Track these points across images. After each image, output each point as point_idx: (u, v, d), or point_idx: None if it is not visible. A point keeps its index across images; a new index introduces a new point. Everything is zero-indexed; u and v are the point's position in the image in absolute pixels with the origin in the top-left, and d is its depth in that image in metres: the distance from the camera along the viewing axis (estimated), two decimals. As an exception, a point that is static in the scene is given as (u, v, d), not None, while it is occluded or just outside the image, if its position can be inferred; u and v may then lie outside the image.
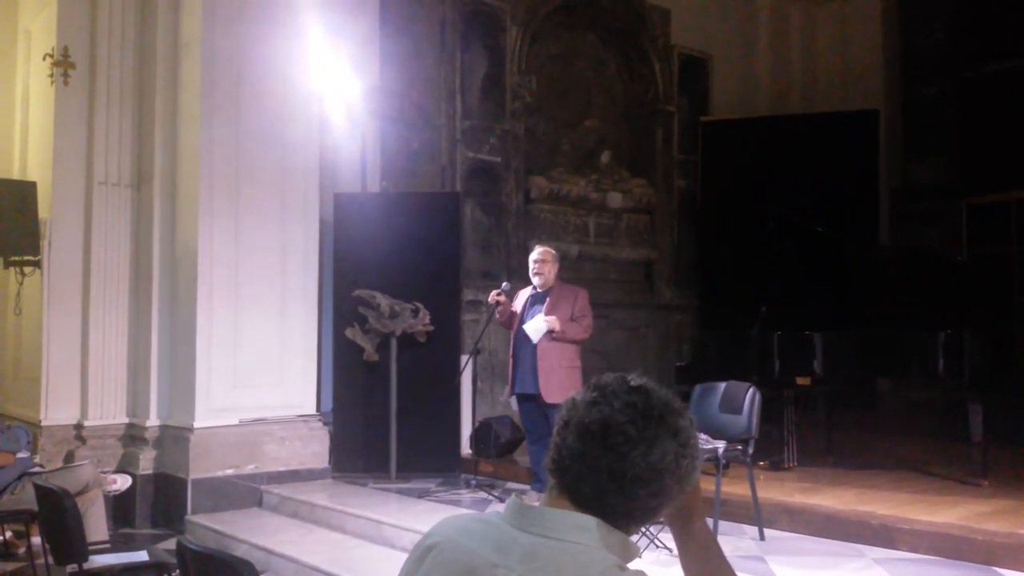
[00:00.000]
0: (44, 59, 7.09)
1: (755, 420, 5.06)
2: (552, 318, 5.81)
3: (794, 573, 4.39)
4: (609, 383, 1.33)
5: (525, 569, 1.22)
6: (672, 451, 1.29)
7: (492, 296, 6.17)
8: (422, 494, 6.36)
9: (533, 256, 6.09)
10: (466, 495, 6.40)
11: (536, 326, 5.85)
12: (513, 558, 1.24)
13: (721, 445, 5.00)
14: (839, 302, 6.83)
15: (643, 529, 4.71)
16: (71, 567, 3.85)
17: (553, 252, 6.13)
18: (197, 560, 2.45)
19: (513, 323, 6.10)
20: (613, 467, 1.27)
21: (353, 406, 7.25)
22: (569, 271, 8.98)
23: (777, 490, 5.75)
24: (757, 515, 5.06)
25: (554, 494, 1.32)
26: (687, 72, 10.77)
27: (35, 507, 4.38)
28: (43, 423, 6.93)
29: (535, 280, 6.02)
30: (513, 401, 6.48)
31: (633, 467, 1.27)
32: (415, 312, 7.11)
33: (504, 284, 6.41)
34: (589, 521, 1.27)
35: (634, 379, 1.34)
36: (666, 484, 1.29)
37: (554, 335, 5.80)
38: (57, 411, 7.00)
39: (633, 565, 1.28)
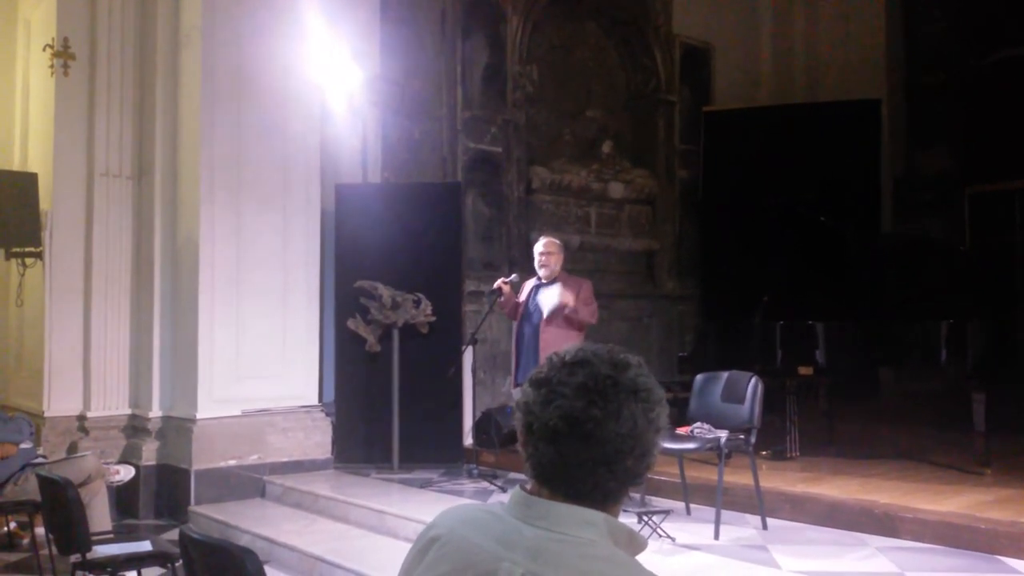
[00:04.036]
0: (44, 50, 7.07)
1: (757, 410, 5.06)
2: (566, 292, 5.80)
3: (797, 562, 4.39)
4: (551, 374, 1.29)
5: (532, 565, 1.20)
6: (639, 411, 1.26)
7: (498, 282, 6.17)
8: (425, 484, 6.37)
9: (538, 248, 6.08)
10: (469, 485, 6.41)
11: (551, 299, 5.80)
12: (519, 552, 1.23)
13: (723, 434, 5.00)
14: (841, 292, 6.81)
15: (646, 519, 4.72)
16: (74, 557, 3.86)
17: (558, 243, 6.14)
18: (200, 550, 2.45)
19: (517, 314, 6.10)
20: (596, 454, 1.25)
21: (355, 397, 7.26)
22: (571, 262, 8.95)
23: (780, 479, 5.75)
24: (760, 504, 5.06)
25: (546, 494, 1.29)
26: (689, 61, 10.73)
27: (38, 498, 4.39)
28: (46, 414, 6.93)
29: (541, 272, 6.03)
30: (517, 391, 6.48)
31: (612, 445, 1.24)
32: (417, 303, 7.11)
33: (514, 276, 6.38)
34: (596, 516, 1.26)
35: (568, 354, 1.31)
36: (647, 441, 1.27)
37: (566, 311, 5.76)
38: (60, 402, 7.00)
39: (640, 558, 1.27)
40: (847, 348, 6.49)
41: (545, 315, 5.83)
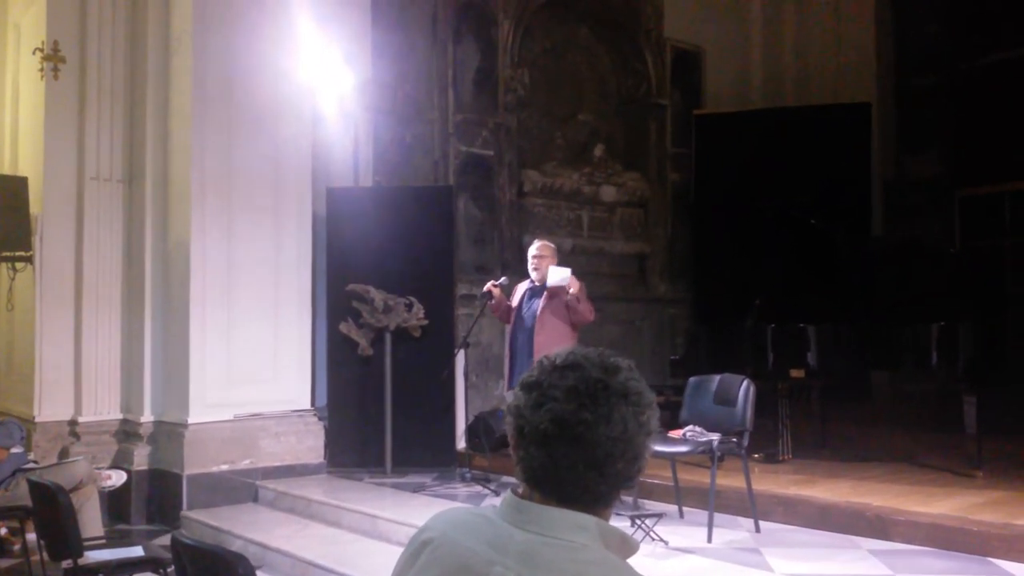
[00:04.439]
0: (34, 53, 7.05)
1: (749, 412, 5.07)
2: (573, 279, 5.78)
3: (789, 565, 4.40)
4: (542, 377, 1.29)
5: (524, 569, 1.20)
6: (630, 414, 1.26)
7: (488, 285, 6.17)
8: (417, 489, 6.36)
9: (531, 251, 6.10)
10: (462, 489, 6.40)
11: (563, 275, 5.79)
12: (510, 556, 1.23)
13: (716, 437, 5.01)
14: (833, 294, 6.83)
15: (638, 522, 4.72)
16: (66, 563, 3.85)
17: (551, 246, 6.15)
18: (192, 555, 2.45)
19: (510, 317, 6.10)
20: (586, 458, 1.24)
21: (348, 401, 7.25)
22: (563, 265, 8.98)
23: (772, 482, 5.76)
24: (752, 507, 5.07)
25: (537, 497, 1.29)
26: (680, 65, 10.76)
27: (30, 503, 4.37)
28: (37, 419, 6.90)
29: (533, 275, 6.03)
30: (511, 395, 6.46)
31: (602, 448, 1.24)
32: (409, 306, 7.11)
33: (503, 279, 6.40)
34: (587, 520, 1.26)
35: (559, 358, 1.31)
36: (638, 444, 1.27)
37: (568, 296, 5.74)
38: (51, 407, 6.97)
39: (632, 560, 1.27)
40: (839, 351, 6.50)
41: (548, 287, 5.79)
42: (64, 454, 6.77)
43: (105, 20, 7.15)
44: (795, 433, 6.73)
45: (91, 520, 5.24)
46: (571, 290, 5.74)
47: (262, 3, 7.01)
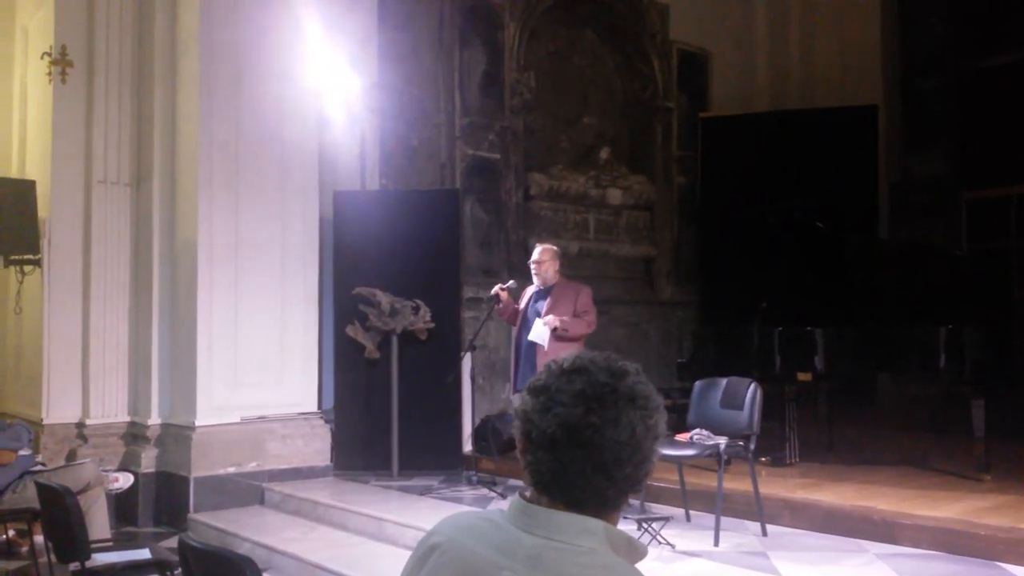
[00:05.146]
0: (42, 58, 7.07)
1: (756, 416, 5.06)
2: (551, 317, 5.82)
3: (797, 569, 4.39)
4: (549, 382, 1.30)
5: (531, 574, 1.21)
6: (637, 418, 1.26)
7: (495, 288, 6.19)
8: (424, 491, 6.36)
9: (532, 256, 6.14)
10: (468, 492, 6.40)
11: (538, 331, 5.83)
12: (518, 561, 1.23)
13: (723, 441, 5.00)
14: (839, 297, 6.82)
15: (646, 526, 4.72)
16: (73, 565, 3.85)
17: (553, 250, 6.15)
18: (199, 558, 2.45)
19: (517, 319, 6.11)
20: (594, 462, 1.25)
21: (355, 404, 7.26)
22: (569, 268, 8.96)
23: (779, 486, 5.75)
24: (759, 511, 5.06)
25: (545, 502, 1.29)
26: (686, 68, 10.75)
27: (37, 506, 4.38)
28: (45, 422, 6.92)
29: (535, 280, 6.08)
30: (517, 398, 6.46)
31: (610, 452, 1.25)
32: (416, 310, 7.11)
33: (510, 282, 6.41)
34: (595, 524, 1.26)
35: (566, 362, 1.32)
36: (645, 448, 1.27)
37: (558, 332, 5.79)
38: (59, 410, 6.99)
39: (640, 565, 1.27)
40: (846, 354, 6.49)
41: (545, 345, 5.79)
42: (72, 456, 6.78)
43: (113, 24, 7.17)
44: (802, 436, 6.73)
45: (98, 522, 5.26)
46: (556, 326, 5.79)
47: (269, 7, 7.03)
